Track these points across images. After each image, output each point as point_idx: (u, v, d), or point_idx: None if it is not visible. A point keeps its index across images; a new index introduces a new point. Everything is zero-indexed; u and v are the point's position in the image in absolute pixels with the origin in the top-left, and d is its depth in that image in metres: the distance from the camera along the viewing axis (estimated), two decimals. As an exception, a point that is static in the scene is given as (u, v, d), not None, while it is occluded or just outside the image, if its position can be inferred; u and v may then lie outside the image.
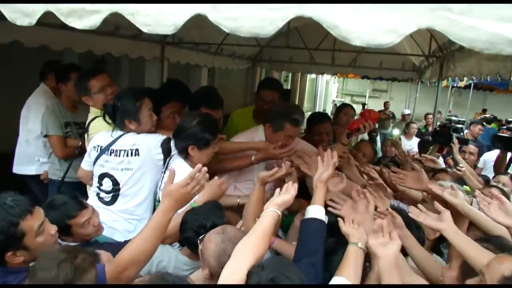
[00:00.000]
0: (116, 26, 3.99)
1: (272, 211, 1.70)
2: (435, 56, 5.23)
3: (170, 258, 2.09)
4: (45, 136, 3.44)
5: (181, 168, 2.32)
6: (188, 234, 2.00)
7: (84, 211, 2.08)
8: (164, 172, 2.47)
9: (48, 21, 3.27)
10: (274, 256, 1.64)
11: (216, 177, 2.33)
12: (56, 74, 3.53)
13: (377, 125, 10.34)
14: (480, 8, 1.08)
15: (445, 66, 4.93)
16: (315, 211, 1.89)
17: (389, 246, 1.64)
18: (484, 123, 8.79)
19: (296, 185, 1.85)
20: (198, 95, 3.15)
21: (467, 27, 1.07)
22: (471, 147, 4.36)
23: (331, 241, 1.89)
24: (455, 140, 3.97)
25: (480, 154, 5.07)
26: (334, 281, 1.59)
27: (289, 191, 1.80)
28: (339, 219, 1.89)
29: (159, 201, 2.44)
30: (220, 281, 1.42)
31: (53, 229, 1.74)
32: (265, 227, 1.62)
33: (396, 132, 7.62)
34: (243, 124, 3.34)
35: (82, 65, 4.22)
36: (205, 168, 1.82)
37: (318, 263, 1.70)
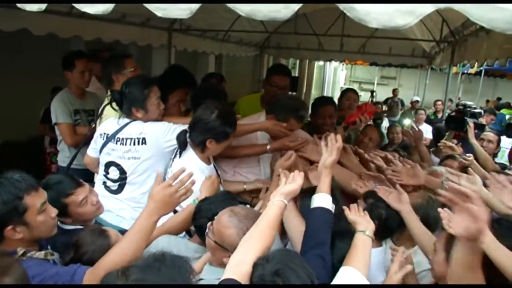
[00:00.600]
0: (123, 14, 3.97)
1: (279, 200, 1.66)
2: (447, 41, 5.15)
3: (179, 247, 2.07)
4: (55, 124, 3.44)
5: (190, 161, 2.33)
6: (202, 223, 1.98)
7: (80, 188, 2.03)
8: (173, 160, 2.46)
9: (56, 9, 3.31)
10: (281, 248, 1.62)
11: (205, 177, 2.34)
12: (62, 62, 3.49)
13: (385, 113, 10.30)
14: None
15: (456, 51, 4.85)
16: (322, 199, 1.83)
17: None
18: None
19: (302, 174, 1.80)
20: (202, 89, 3.12)
21: (489, 7, 1.04)
22: (490, 135, 4.10)
23: (336, 228, 1.83)
24: (471, 125, 3.85)
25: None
26: (343, 271, 1.57)
27: (295, 180, 1.75)
28: (344, 207, 1.87)
29: None
30: (226, 272, 1.41)
31: (53, 212, 1.73)
32: (272, 217, 1.60)
33: (407, 121, 7.55)
34: (250, 111, 3.31)
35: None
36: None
37: (326, 254, 1.68)
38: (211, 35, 5.75)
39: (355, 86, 23.20)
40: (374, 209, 2.04)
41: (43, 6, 1.54)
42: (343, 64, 19.18)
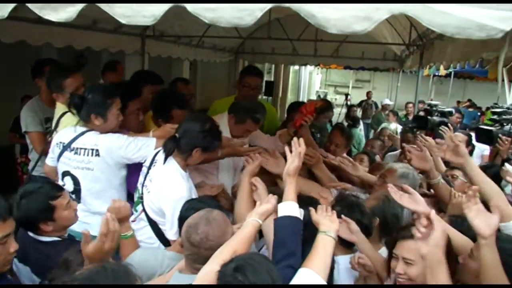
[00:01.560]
0: (94, 20, 3.94)
1: (253, 220, 1.74)
2: (415, 45, 5.30)
3: (157, 256, 2.07)
4: (25, 132, 3.37)
5: (172, 171, 2.33)
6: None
7: (64, 192, 2.05)
8: (148, 170, 2.45)
9: (24, 15, 3.26)
10: (247, 252, 1.62)
11: None
12: (31, 69, 3.44)
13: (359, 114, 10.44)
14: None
15: (425, 54, 5.00)
16: (288, 208, 1.80)
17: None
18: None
19: (276, 197, 1.86)
20: (166, 97, 3.12)
21: (439, 12, 1.10)
22: (460, 136, 4.22)
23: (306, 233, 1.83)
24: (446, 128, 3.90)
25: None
26: (301, 273, 1.56)
27: (270, 201, 1.83)
28: (311, 208, 1.85)
29: (139, 197, 2.44)
30: (195, 281, 1.47)
31: (14, 247, 1.63)
32: (245, 234, 1.67)
33: (393, 126, 7.71)
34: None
35: (62, 60, 4.18)
36: (114, 216, 1.73)
37: (297, 265, 1.65)
38: (185, 41, 5.74)
39: (330, 90, 23.55)
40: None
41: (5, 13, 1.52)
42: (318, 68, 19.42)
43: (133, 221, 2.44)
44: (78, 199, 2.52)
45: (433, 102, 4.65)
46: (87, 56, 5.77)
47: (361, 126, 8.41)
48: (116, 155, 2.46)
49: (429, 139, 2.67)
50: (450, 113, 4.43)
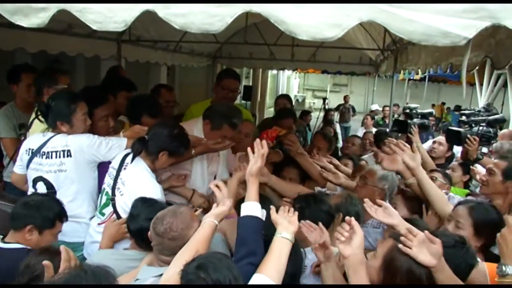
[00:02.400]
0: (69, 24, 3.88)
1: (210, 221, 1.80)
2: (390, 50, 5.42)
3: (115, 256, 2.11)
4: None
5: (143, 174, 2.37)
6: (142, 225, 2.00)
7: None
8: (118, 171, 2.44)
9: (-5, 20, 3.20)
10: (208, 252, 1.67)
11: None
12: (7, 75, 3.38)
13: (337, 118, 10.56)
14: (417, 3, 1.14)
15: (399, 59, 5.12)
16: (250, 208, 1.85)
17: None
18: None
19: (231, 200, 1.95)
20: (138, 103, 3.08)
21: (406, 20, 1.13)
22: (441, 138, 4.15)
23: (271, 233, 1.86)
24: (415, 130, 3.92)
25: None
26: (254, 279, 1.60)
27: (225, 204, 1.89)
28: (272, 206, 1.88)
29: (110, 199, 2.42)
30: (161, 282, 1.53)
31: None
32: (203, 235, 1.74)
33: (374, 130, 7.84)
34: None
35: (36, 65, 4.09)
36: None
37: (258, 262, 1.69)
38: (163, 46, 5.72)
39: (308, 94, 23.76)
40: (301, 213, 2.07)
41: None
42: (296, 73, 19.58)
43: (101, 223, 2.43)
44: None
45: (412, 105, 4.75)
46: (62, 61, 5.67)
47: (338, 129, 8.50)
48: (87, 154, 2.45)
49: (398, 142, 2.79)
50: (431, 114, 4.52)
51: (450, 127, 4.20)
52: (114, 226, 2.30)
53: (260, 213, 1.86)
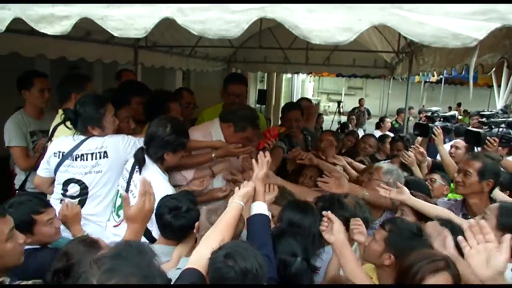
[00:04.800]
0: (87, 31, 3.99)
1: (236, 203, 1.90)
2: (404, 52, 5.40)
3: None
4: (8, 147, 3.33)
5: (155, 177, 2.38)
6: (167, 218, 2.13)
7: (49, 209, 2.10)
8: (130, 176, 2.49)
9: (18, 27, 3.29)
10: (235, 240, 1.76)
11: None
12: (18, 81, 3.39)
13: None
14: (427, 5, 1.17)
15: (414, 61, 5.09)
16: (259, 207, 2.02)
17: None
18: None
19: (251, 182, 2.08)
20: (127, 88, 3.29)
21: (416, 22, 1.16)
22: (460, 142, 4.15)
23: (277, 228, 2.10)
24: (438, 131, 3.90)
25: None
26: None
27: (249, 185, 2.04)
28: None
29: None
30: (188, 264, 1.58)
31: (21, 238, 1.69)
32: (229, 217, 1.82)
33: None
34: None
35: (54, 72, 4.20)
36: (149, 181, 1.94)
37: (270, 253, 1.84)
38: (178, 51, 5.81)
39: (323, 98, 23.68)
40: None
41: (3, 27, 1.57)
42: (310, 76, 19.56)
43: (116, 225, 2.49)
44: (82, 205, 2.52)
45: (434, 108, 4.68)
46: (80, 67, 5.80)
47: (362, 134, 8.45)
48: (123, 154, 2.51)
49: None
50: (453, 117, 4.44)
51: (469, 128, 4.15)
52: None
53: (267, 211, 2.04)
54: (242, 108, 3.23)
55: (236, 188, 2.05)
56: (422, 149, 3.76)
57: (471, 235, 1.44)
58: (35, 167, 3.14)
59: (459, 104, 16.15)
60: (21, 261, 1.70)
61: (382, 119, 8.53)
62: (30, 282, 1.62)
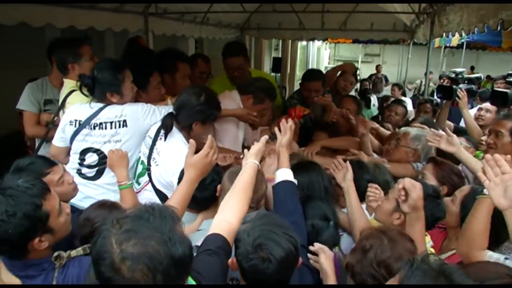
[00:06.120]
0: (95, -1, 3.88)
1: (250, 162, 1.88)
2: (426, 13, 5.14)
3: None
4: (18, 109, 3.29)
5: (180, 146, 2.37)
6: None
7: (55, 167, 2.01)
8: (154, 143, 2.43)
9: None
10: (260, 215, 1.62)
11: None
12: (48, 48, 3.31)
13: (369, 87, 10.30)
14: None
15: (436, 22, 4.83)
16: (284, 174, 2.00)
17: None
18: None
19: (266, 136, 2.07)
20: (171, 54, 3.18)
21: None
22: (488, 105, 3.94)
23: (303, 194, 2.07)
24: (463, 93, 3.74)
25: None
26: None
27: (261, 141, 2.01)
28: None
29: (146, 169, 2.44)
30: (210, 230, 1.56)
31: (67, 207, 1.67)
32: (246, 178, 1.80)
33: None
34: (221, 90, 3.33)
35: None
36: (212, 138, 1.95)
37: (300, 220, 1.81)
38: (190, 18, 5.63)
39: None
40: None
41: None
42: (326, 43, 19.15)
43: (137, 192, 2.45)
44: (100, 174, 2.50)
45: (458, 70, 4.52)
46: (91, 37, 5.70)
47: (375, 101, 8.13)
48: (142, 122, 2.45)
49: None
50: (479, 79, 4.26)
51: (495, 89, 3.99)
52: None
53: (292, 178, 2.00)
54: (259, 80, 3.24)
55: (246, 150, 2.01)
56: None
57: (489, 169, 1.51)
58: (44, 137, 3.12)
59: (472, 68, 15.59)
60: (70, 230, 1.68)
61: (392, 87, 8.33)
62: (79, 250, 1.63)
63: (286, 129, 2.15)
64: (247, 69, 3.66)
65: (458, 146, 2.34)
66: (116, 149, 2.32)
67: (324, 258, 1.79)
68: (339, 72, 4.58)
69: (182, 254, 1.12)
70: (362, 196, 2.24)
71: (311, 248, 1.86)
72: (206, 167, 1.89)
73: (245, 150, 2.03)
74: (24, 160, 1.97)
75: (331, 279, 1.75)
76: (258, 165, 1.89)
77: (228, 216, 1.59)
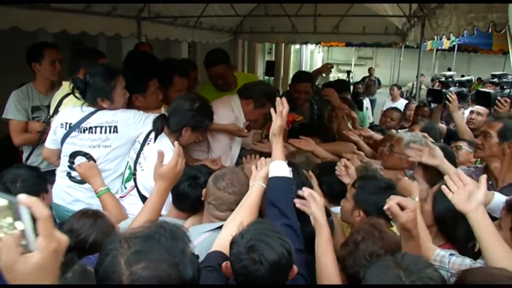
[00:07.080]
0: (87, 5, 3.88)
1: (258, 185, 1.82)
2: (416, 16, 5.19)
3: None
4: (4, 118, 3.21)
5: (165, 149, 2.30)
6: (183, 187, 2.06)
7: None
8: (141, 148, 2.43)
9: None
10: (255, 220, 1.59)
11: None
12: (27, 54, 3.21)
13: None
14: None
15: (427, 25, 4.89)
16: (277, 168, 1.84)
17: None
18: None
19: (269, 159, 1.94)
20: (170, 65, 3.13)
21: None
22: (480, 108, 3.92)
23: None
24: (453, 97, 3.71)
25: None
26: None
27: (267, 164, 1.91)
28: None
29: (132, 173, 2.43)
30: (213, 248, 1.55)
31: None
32: (252, 200, 1.76)
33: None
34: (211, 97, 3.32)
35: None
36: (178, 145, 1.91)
37: (293, 223, 1.69)
38: (183, 22, 5.65)
39: (333, 68, 23.31)
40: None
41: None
42: (319, 47, 19.23)
43: (122, 197, 2.44)
44: None
45: (448, 73, 4.52)
46: (84, 42, 5.68)
47: (367, 104, 8.12)
48: (133, 129, 2.43)
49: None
50: (469, 82, 4.26)
51: (479, 89, 4.01)
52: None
53: (287, 171, 1.84)
54: (260, 84, 3.27)
55: (253, 167, 1.95)
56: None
57: (452, 183, 1.63)
58: (34, 144, 3.10)
59: (449, 69, 15.66)
60: None
61: (392, 87, 8.33)
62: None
63: (278, 114, 1.97)
64: (231, 76, 3.61)
65: (441, 158, 2.27)
66: (81, 162, 2.34)
67: (315, 206, 1.69)
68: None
69: (192, 277, 1.09)
70: (339, 196, 2.19)
71: (299, 192, 1.75)
72: (176, 176, 1.84)
73: (253, 167, 1.96)
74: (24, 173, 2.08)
75: (324, 229, 1.65)
76: (264, 188, 1.83)
77: (230, 236, 1.50)
